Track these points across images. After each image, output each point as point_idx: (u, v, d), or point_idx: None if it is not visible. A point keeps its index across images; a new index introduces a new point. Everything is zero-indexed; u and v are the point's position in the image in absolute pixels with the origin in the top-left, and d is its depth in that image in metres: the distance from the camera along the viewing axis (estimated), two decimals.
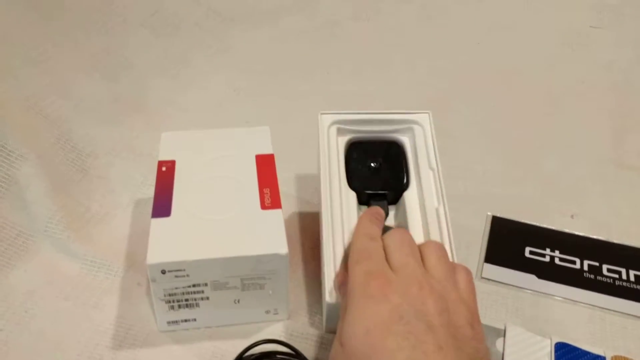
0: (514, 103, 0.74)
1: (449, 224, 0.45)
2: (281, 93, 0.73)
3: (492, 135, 0.69)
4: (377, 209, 0.46)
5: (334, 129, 0.51)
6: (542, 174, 0.63)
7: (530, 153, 0.66)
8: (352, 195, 0.48)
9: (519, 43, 0.83)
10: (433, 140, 0.50)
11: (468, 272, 0.39)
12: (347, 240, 0.45)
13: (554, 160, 0.65)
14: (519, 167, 0.64)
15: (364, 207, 0.49)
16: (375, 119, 0.52)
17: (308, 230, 0.55)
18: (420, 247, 0.39)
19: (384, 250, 0.39)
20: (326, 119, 0.51)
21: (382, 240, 0.40)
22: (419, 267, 0.37)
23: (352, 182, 0.49)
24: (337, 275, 0.43)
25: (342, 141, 0.51)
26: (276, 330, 0.46)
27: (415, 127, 0.52)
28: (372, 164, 0.50)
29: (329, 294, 0.42)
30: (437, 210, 0.46)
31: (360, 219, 0.44)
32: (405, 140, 0.52)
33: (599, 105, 0.74)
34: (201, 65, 0.77)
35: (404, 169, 0.50)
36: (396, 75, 0.78)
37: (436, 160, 0.49)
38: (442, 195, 0.47)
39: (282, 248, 0.43)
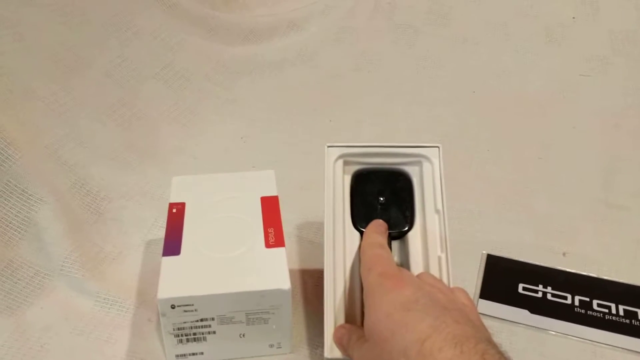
0: (508, 147, 0.77)
1: (450, 273, 0.47)
2: (285, 140, 0.77)
3: (487, 178, 0.72)
4: (379, 222, 0.48)
5: (340, 163, 0.50)
6: (534, 214, 0.66)
7: (523, 194, 0.69)
8: (356, 234, 0.49)
9: (512, 91, 0.87)
10: (441, 178, 0.49)
11: (464, 290, 0.43)
12: (348, 277, 0.48)
13: (546, 201, 0.68)
14: (513, 207, 0.67)
15: None
16: (383, 152, 0.50)
17: (310, 268, 0.58)
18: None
19: None
20: (332, 152, 0.49)
21: None
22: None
23: (356, 221, 0.49)
24: (336, 331, 0.45)
25: (348, 178, 0.50)
26: None
27: (424, 161, 0.50)
28: (378, 198, 0.49)
29: (329, 350, 0.44)
30: (440, 259, 0.47)
31: (365, 232, 0.47)
32: (413, 172, 0.50)
33: (589, 149, 0.77)
34: (210, 114, 0.81)
35: (410, 209, 0.49)
36: (395, 123, 0.82)
37: (442, 202, 0.48)
38: (445, 242, 0.48)
39: (285, 284, 0.45)
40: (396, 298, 0.37)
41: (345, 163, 0.50)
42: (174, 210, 0.53)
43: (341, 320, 0.46)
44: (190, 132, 0.77)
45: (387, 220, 0.49)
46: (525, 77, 0.89)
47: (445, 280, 0.47)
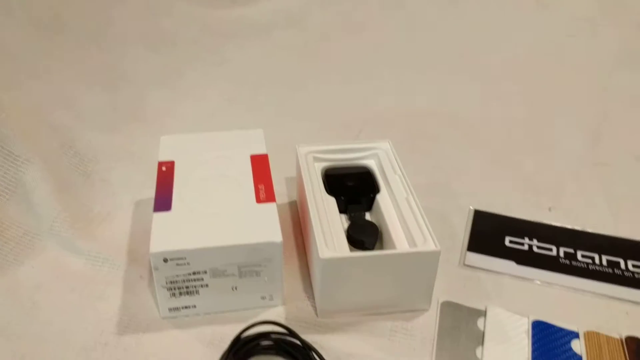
0: (496, 108, 0.78)
1: (420, 209, 0.50)
2: (273, 102, 0.77)
3: (475, 138, 0.72)
4: None
5: (310, 156, 0.57)
6: (521, 171, 0.67)
7: (510, 153, 0.69)
8: (332, 200, 0.53)
9: (499, 53, 0.87)
10: (395, 157, 0.56)
11: None
12: (332, 227, 0.49)
13: (533, 160, 0.68)
14: (500, 166, 0.67)
15: (344, 216, 0.53)
16: (345, 148, 0.58)
17: (300, 225, 0.58)
18: None
19: None
20: (303, 150, 0.58)
21: None
22: None
23: (331, 192, 0.53)
24: None
25: (319, 166, 0.57)
26: (271, 315, 0.48)
27: (379, 151, 0.58)
28: (347, 184, 0.55)
29: (321, 250, 0.45)
30: (407, 199, 0.51)
31: None
32: (372, 163, 0.58)
33: (576, 109, 0.78)
34: (196, 78, 0.80)
35: (374, 180, 0.56)
36: (383, 84, 0.82)
37: (400, 168, 0.55)
38: (409, 187, 0.53)
39: (277, 237, 0.46)
40: None
41: (315, 159, 0.57)
42: (164, 169, 0.53)
43: (330, 233, 0.48)
44: (177, 95, 0.77)
45: (356, 190, 0.54)
46: (514, 38, 0.89)
47: (418, 217, 0.49)
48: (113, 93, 0.73)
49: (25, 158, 0.57)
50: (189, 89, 0.78)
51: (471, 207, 0.60)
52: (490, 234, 0.57)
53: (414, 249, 0.46)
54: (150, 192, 0.61)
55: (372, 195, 0.54)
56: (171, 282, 0.46)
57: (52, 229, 0.55)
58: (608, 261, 0.54)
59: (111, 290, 0.51)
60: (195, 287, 0.47)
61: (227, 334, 0.46)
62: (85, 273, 0.52)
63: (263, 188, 0.51)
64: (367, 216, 0.54)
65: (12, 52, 0.66)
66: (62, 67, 0.71)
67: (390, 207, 0.52)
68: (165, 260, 0.45)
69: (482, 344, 0.46)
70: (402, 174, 0.54)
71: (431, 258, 0.46)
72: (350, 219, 0.53)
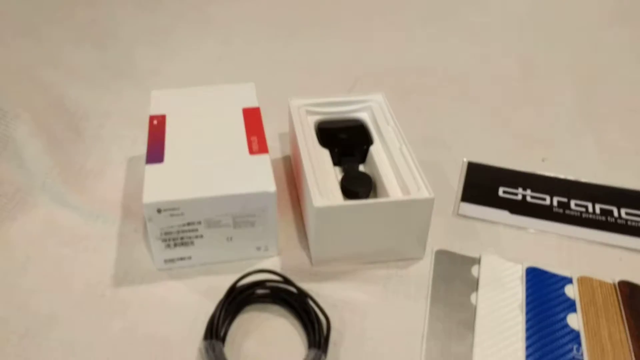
0: (488, 64, 0.77)
1: (414, 158, 0.50)
2: (262, 59, 0.76)
3: (469, 93, 0.72)
4: None
5: (303, 109, 0.56)
6: (515, 125, 0.66)
7: (504, 108, 0.69)
8: (326, 152, 0.52)
9: (492, 10, 0.87)
10: (389, 109, 0.56)
11: None
12: (326, 178, 0.49)
13: (526, 112, 0.68)
14: (494, 120, 0.67)
15: (338, 168, 0.53)
16: (338, 101, 0.57)
17: (294, 179, 0.58)
18: None
19: None
20: (295, 102, 0.57)
21: None
22: None
23: (324, 144, 0.53)
24: None
25: (312, 119, 0.57)
26: (267, 265, 0.49)
27: (373, 104, 0.57)
28: (340, 136, 0.55)
29: (315, 199, 0.45)
30: (401, 149, 0.51)
31: None
32: (365, 115, 0.57)
33: (567, 64, 0.77)
34: (185, 35, 0.79)
35: (367, 132, 0.55)
36: (376, 40, 0.81)
37: (393, 118, 0.55)
38: (402, 137, 0.52)
39: (270, 186, 0.46)
40: None
41: (308, 113, 0.57)
42: (155, 122, 0.53)
43: (325, 183, 0.48)
44: (166, 53, 0.76)
45: (350, 141, 0.54)
46: None
47: (412, 166, 0.49)
48: (102, 50, 0.71)
49: (15, 114, 0.56)
50: (177, 47, 0.77)
51: (465, 159, 0.60)
52: (484, 185, 0.57)
53: (407, 197, 0.46)
54: (141, 149, 0.61)
55: (365, 147, 0.54)
56: (166, 234, 0.46)
57: (44, 185, 0.55)
58: (601, 209, 0.54)
59: (106, 244, 0.51)
60: (190, 237, 0.47)
61: (222, 284, 0.46)
62: (79, 228, 0.52)
63: (256, 140, 0.51)
64: (361, 168, 0.54)
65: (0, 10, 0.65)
66: (49, 25, 0.69)
67: (383, 159, 0.52)
68: (159, 211, 0.45)
69: (477, 290, 0.46)
70: (396, 125, 0.54)
71: (425, 205, 0.46)
72: (344, 171, 0.53)
